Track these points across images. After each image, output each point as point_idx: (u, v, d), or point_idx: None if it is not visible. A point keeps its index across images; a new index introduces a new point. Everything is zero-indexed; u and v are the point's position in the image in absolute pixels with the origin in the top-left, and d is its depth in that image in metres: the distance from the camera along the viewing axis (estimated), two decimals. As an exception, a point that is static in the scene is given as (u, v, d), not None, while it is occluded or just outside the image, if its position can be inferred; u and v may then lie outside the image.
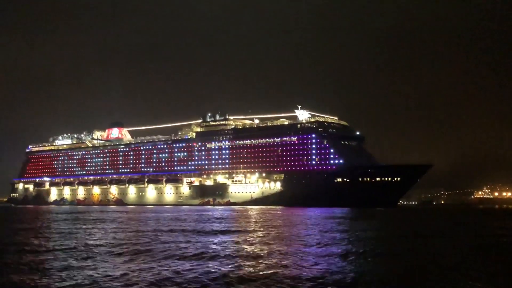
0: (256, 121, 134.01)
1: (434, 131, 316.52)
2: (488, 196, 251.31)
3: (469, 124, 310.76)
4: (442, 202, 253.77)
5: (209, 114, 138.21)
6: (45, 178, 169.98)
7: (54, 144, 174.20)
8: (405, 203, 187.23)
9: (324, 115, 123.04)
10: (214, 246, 27.28)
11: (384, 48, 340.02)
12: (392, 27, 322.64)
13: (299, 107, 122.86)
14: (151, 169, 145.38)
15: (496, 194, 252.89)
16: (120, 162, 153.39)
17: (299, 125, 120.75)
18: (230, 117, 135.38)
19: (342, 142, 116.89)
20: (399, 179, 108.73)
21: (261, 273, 18.54)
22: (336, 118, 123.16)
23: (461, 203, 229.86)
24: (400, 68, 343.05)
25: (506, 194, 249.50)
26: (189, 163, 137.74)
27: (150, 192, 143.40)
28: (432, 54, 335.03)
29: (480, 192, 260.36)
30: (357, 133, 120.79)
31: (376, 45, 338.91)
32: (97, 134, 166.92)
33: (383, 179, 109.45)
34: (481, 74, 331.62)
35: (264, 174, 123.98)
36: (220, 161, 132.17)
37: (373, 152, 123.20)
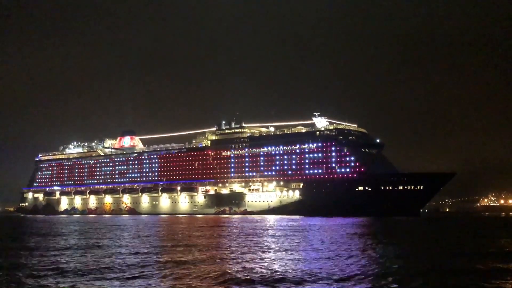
0: (272, 129, 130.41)
1: (438, 138, 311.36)
2: (493, 204, 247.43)
3: (473, 131, 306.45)
4: (447, 210, 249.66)
5: (224, 122, 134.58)
6: (55, 187, 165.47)
7: (64, 152, 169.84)
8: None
9: (342, 122, 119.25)
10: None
11: (400, 55, 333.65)
12: (411, 34, 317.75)
13: (317, 114, 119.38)
14: (165, 177, 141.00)
15: (502, 201, 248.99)
16: (133, 170, 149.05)
17: (318, 132, 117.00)
18: (246, 125, 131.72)
19: (363, 150, 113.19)
20: (422, 187, 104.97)
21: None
22: (355, 125, 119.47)
23: (466, 210, 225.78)
24: (413, 75, 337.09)
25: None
26: (204, 171, 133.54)
27: (164, 201, 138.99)
28: (440, 61, 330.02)
29: (485, 200, 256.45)
30: (377, 140, 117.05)
31: (393, 51, 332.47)
32: (108, 142, 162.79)
33: (406, 187, 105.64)
34: (489, 81, 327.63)
35: (282, 183, 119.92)
36: (236, 170, 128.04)
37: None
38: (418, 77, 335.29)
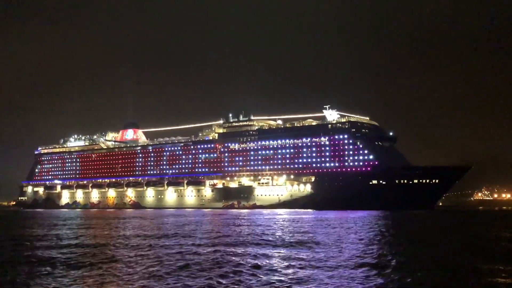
0: (279, 121, 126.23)
1: (433, 131, 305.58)
2: (487, 198, 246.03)
3: (466, 124, 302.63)
4: (440, 204, 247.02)
5: (232, 115, 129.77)
6: (56, 181, 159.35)
7: (65, 146, 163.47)
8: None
9: (353, 115, 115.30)
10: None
11: (410, 48, 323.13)
12: (424, 26, 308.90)
13: (328, 107, 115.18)
14: (171, 171, 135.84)
15: (496, 195, 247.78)
16: (137, 164, 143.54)
17: (329, 125, 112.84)
18: (254, 118, 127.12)
19: (376, 143, 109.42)
20: (437, 181, 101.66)
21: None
22: (368, 118, 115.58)
23: (461, 205, 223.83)
24: (423, 68, 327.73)
25: (506, 196, 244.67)
26: (212, 165, 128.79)
27: (170, 195, 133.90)
28: (442, 56, 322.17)
29: (479, 194, 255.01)
30: (390, 133, 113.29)
31: (404, 44, 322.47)
32: (111, 135, 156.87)
33: (421, 181, 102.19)
34: (484, 75, 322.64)
35: (292, 176, 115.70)
36: (245, 163, 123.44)
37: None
38: (428, 70, 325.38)
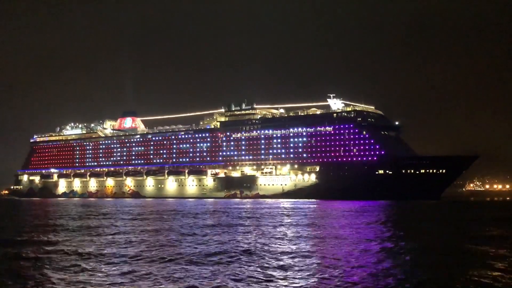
0: (282, 110, 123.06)
1: (436, 121, 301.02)
2: (479, 189, 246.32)
3: (458, 115, 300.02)
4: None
5: (233, 103, 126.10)
6: (53, 170, 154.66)
7: (61, 134, 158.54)
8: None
9: (358, 104, 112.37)
10: None
11: (414, 36, 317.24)
12: (429, 13, 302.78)
13: (332, 95, 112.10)
14: (171, 160, 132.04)
15: (487, 186, 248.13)
16: (136, 152, 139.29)
17: (334, 114, 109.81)
18: (257, 106, 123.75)
19: (382, 133, 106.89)
20: (444, 170, 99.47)
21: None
22: (373, 107, 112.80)
23: (453, 195, 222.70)
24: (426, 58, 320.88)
25: (497, 187, 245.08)
26: (214, 154, 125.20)
27: (170, 184, 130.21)
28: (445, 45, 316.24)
29: (471, 185, 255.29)
30: (396, 123, 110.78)
31: (408, 32, 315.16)
32: (108, 123, 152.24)
33: (428, 170, 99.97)
34: (480, 68, 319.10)
35: (296, 166, 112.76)
36: (247, 152, 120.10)
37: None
38: (433, 59, 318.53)
